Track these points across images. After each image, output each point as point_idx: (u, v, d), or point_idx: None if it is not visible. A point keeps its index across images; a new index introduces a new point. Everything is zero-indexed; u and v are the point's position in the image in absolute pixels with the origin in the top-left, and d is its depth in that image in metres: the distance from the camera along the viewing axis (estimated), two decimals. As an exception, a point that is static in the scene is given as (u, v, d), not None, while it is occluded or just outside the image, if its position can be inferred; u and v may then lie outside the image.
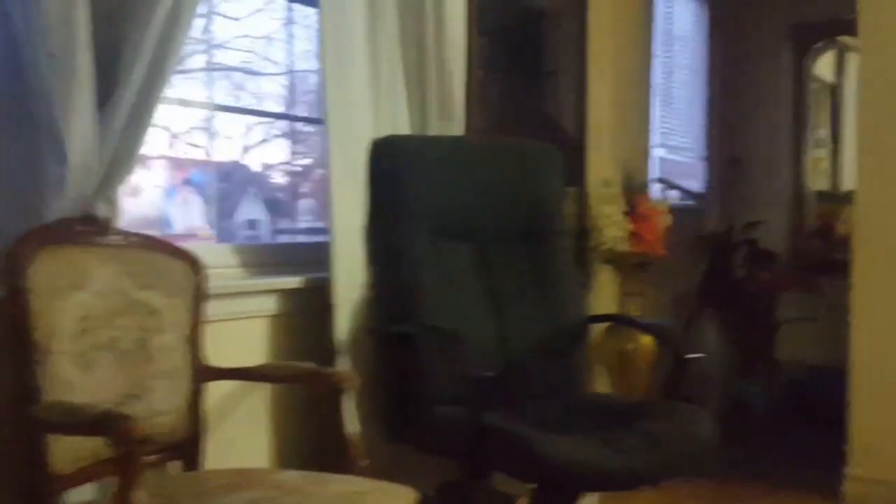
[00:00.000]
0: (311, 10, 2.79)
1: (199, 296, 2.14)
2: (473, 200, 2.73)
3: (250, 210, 3.02)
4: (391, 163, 2.56)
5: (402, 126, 2.70)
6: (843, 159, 5.33)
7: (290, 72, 2.94)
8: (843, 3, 3.55)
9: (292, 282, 2.53)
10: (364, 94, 2.53)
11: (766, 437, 4.62)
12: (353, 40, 2.48)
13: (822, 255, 4.92)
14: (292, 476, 1.98)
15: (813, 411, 4.51)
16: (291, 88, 3.02)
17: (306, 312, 2.59)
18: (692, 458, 2.33)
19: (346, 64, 2.45)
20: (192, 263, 2.15)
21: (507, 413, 2.45)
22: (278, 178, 3.17)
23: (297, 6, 2.86)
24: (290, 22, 2.88)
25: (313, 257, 2.62)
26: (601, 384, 3.91)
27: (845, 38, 5.11)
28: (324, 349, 2.54)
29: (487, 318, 2.69)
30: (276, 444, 2.53)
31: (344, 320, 2.54)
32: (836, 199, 5.19)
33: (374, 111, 2.59)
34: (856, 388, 3.37)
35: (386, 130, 2.64)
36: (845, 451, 3.47)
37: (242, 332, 2.43)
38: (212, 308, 2.18)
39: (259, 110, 2.90)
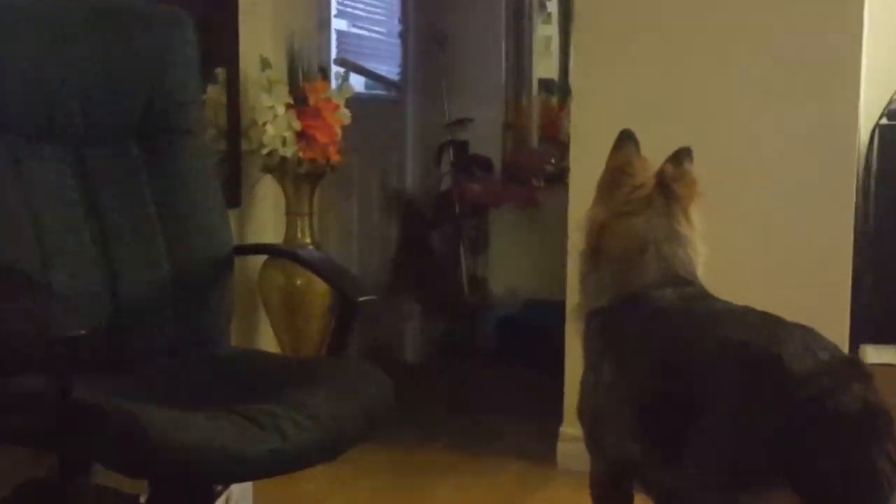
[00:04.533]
0: None
1: None
2: (63, 87, 2.55)
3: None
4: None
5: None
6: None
7: None
8: None
9: None
10: None
11: (477, 387, 4.77)
12: None
13: (544, 160, 5.09)
14: None
15: (530, 354, 4.70)
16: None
17: None
18: (361, 429, 2.32)
19: None
20: None
21: (110, 382, 2.32)
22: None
23: None
24: None
25: None
26: (264, 334, 3.84)
27: None
28: None
29: (88, 252, 2.55)
30: None
31: None
32: (564, 91, 5.27)
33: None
34: (572, 331, 3.22)
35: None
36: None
37: None
38: None
39: None
